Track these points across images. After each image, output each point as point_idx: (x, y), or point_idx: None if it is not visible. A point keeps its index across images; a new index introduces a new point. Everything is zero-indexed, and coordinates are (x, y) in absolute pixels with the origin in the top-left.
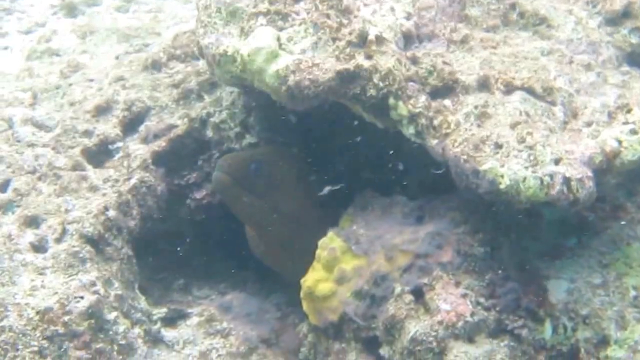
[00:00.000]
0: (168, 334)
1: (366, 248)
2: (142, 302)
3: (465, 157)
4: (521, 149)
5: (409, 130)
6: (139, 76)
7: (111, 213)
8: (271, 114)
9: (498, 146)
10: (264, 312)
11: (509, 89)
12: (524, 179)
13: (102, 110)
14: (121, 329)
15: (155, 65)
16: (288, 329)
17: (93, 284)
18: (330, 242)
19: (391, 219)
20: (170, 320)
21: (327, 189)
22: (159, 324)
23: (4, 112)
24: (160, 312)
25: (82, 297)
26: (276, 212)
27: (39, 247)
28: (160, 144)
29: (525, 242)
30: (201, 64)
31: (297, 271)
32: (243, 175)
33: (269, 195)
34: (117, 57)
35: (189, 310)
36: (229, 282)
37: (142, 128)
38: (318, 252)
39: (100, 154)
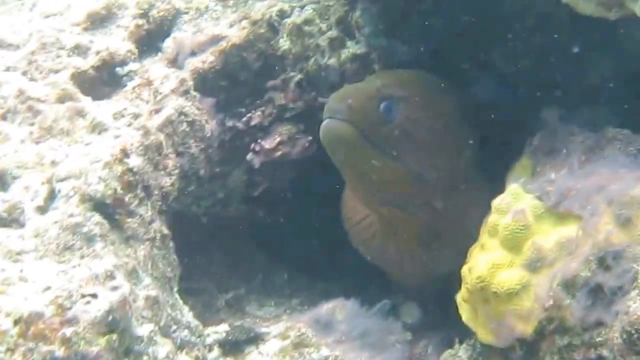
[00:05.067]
0: None
1: (579, 207)
2: (187, 313)
3: None
4: None
5: None
6: None
7: (134, 161)
8: (393, 4)
9: None
10: (387, 331)
11: None
12: None
13: (99, 20)
14: (162, 352)
15: None
16: (428, 358)
17: (111, 275)
18: (514, 201)
19: (609, 162)
20: (234, 346)
21: None
22: (216, 351)
23: None
24: (217, 331)
25: (94, 296)
26: (417, 180)
27: (8, 220)
28: (207, 58)
29: None
30: None
31: (440, 271)
32: (369, 122)
33: (406, 152)
34: None
35: (263, 330)
36: (305, 296)
37: (168, 43)
38: (492, 219)
39: (101, 82)
